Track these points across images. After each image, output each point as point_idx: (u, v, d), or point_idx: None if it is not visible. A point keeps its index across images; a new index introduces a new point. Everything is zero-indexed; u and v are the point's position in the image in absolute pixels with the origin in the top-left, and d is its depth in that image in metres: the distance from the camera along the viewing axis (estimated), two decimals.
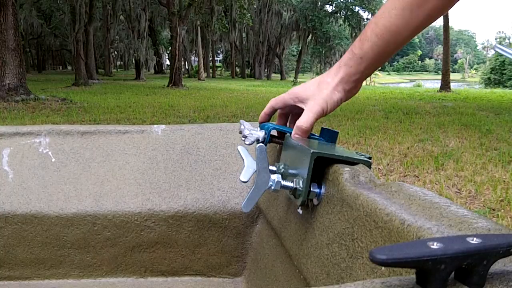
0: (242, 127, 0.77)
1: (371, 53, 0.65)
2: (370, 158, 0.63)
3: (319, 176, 0.62)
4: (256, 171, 0.66)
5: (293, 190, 0.63)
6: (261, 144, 0.67)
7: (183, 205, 1.03)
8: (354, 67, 0.67)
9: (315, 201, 0.63)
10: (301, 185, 0.60)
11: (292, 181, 0.64)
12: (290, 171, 0.66)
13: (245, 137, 0.75)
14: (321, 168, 0.61)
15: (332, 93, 0.68)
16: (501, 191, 3.23)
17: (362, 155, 0.63)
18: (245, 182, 0.65)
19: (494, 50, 0.55)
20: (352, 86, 0.70)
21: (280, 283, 0.80)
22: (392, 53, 0.67)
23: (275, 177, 0.64)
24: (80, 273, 1.06)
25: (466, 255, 0.28)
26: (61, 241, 1.03)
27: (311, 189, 0.61)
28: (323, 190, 0.62)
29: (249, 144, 0.75)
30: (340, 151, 0.64)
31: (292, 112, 0.77)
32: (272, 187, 0.64)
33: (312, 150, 0.58)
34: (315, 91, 0.69)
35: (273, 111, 0.77)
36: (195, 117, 7.69)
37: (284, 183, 0.64)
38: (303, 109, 0.71)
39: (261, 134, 0.75)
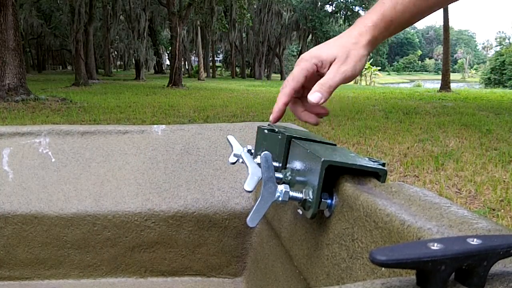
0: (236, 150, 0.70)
1: (401, 18, 0.61)
2: (384, 164, 0.58)
3: (330, 185, 0.58)
4: (261, 178, 0.60)
5: (303, 202, 0.59)
6: (266, 152, 0.61)
7: (183, 205, 1.03)
8: (382, 31, 0.61)
9: (326, 213, 0.59)
10: (311, 196, 0.56)
11: (301, 191, 0.59)
12: (298, 178, 0.62)
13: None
14: (332, 176, 0.57)
15: (362, 56, 0.61)
16: (501, 191, 3.23)
17: (375, 161, 0.59)
18: (249, 191, 0.61)
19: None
20: (372, 49, 0.64)
21: (280, 283, 0.80)
22: (417, 20, 0.63)
23: (283, 187, 0.58)
24: (80, 273, 1.06)
25: (466, 256, 0.28)
26: (61, 241, 1.03)
27: (322, 199, 0.56)
28: (334, 201, 0.58)
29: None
30: (352, 157, 0.59)
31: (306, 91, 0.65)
32: (280, 198, 0.58)
33: (323, 158, 0.53)
34: (341, 52, 0.61)
35: (292, 96, 0.65)
36: (195, 117, 7.69)
37: (292, 193, 0.59)
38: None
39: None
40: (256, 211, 0.58)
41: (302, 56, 0.64)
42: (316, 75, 0.63)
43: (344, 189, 0.56)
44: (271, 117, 0.67)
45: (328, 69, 0.61)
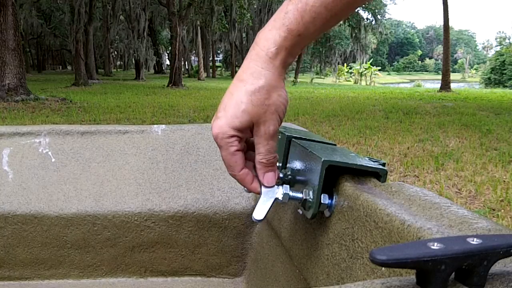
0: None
1: (312, 29, 0.49)
2: (384, 164, 0.58)
3: (330, 185, 0.57)
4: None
5: (303, 202, 0.58)
6: None
7: (183, 205, 1.03)
8: (291, 49, 0.50)
9: (326, 213, 0.59)
10: (312, 196, 0.56)
11: (301, 191, 0.58)
12: (298, 178, 0.61)
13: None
14: (332, 176, 0.57)
15: (281, 94, 0.51)
16: (501, 191, 3.23)
17: (376, 161, 0.59)
18: (249, 192, 0.60)
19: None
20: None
21: (280, 283, 0.80)
22: (329, 28, 0.51)
23: (283, 187, 0.57)
24: (80, 273, 1.06)
25: (466, 256, 0.28)
26: (61, 241, 1.03)
27: (322, 199, 0.56)
28: (334, 201, 0.57)
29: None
30: (352, 157, 0.59)
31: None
32: (280, 198, 0.57)
33: (323, 158, 0.53)
34: (256, 115, 0.50)
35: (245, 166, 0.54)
36: (195, 117, 7.69)
37: (292, 194, 0.57)
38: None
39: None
40: (261, 204, 0.56)
41: (217, 134, 0.51)
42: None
43: (344, 189, 0.55)
44: (252, 190, 0.56)
45: (251, 132, 0.52)
